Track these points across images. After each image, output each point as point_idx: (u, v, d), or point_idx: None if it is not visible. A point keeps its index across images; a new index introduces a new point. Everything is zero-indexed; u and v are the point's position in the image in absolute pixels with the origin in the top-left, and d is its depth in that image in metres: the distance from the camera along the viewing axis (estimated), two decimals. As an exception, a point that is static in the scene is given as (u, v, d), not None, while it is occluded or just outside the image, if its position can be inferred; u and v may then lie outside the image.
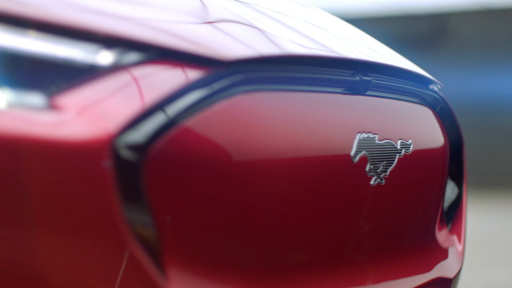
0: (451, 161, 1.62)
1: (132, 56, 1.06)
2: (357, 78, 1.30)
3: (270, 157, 1.15)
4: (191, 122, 1.06)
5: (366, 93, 1.33)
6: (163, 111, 1.03)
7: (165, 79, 1.06)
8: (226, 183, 1.10)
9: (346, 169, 1.26)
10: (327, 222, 1.26)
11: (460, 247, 1.65)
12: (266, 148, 1.15)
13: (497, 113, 9.45)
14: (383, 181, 1.33)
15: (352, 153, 1.26)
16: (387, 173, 1.33)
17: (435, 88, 1.58)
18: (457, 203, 1.70)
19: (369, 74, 1.33)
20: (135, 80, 1.04)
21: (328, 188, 1.25)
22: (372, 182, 1.31)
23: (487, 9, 9.38)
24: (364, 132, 1.28)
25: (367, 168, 1.28)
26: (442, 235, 1.61)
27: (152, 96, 1.03)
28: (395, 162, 1.34)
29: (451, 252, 1.60)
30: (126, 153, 1.00)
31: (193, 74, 1.07)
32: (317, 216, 1.24)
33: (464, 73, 9.46)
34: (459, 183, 1.70)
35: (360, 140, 1.27)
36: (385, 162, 1.32)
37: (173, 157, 1.05)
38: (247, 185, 1.12)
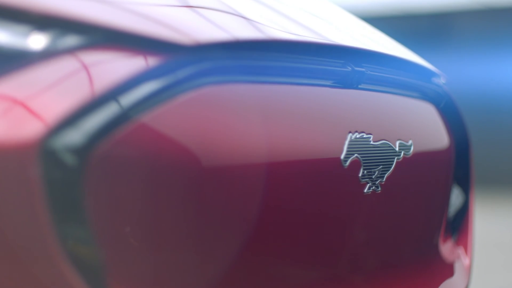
0: (456, 164, 1.48)
1: (71, 40, 0.88)
2: (349, 68, 1.14)
3: (243, 161, 0.98)
4: (146, 119, 0.88)
5: (359, 86, 1.18)
6: (109, 105, 0.86)
7: (112, 67, 0.89)
8: (190, 193, 0.93)
9: (335, 175, 1.10)
10: (312, 239, 1.08)
11: (467, 261, 1.50)
12: (240, 151, 0.98)
13: (499, 113, 9.37)
14: (379, 189, 1.17)
15: (342, 156, 1.10)
16: (384, 179, 1.18)
17: (439, 82, 1.43)
18: (464, 211, 1.56)
19: (362, 64, 1.18)
20: (75, 68, 0.87)
21: (314, 198, 1.08)
22: (366, 190, 1.15)
23: (488, 8, 9.32)
24: (356, 131, 1.13)
25: (360, 174, 1.13)
26: (446, 248, 1.46)
27: (95, 87, 0.85)
28: (393, 167, 1.20)
29: (456, 267, 1.45)
30: (60, 158, 0.82)
31: (148, 62, 0.90)
32: (300, 231, 1.06)
33: (465, 73, 9.38)
34: (465, 188, 1.56)
35: (351, 141, 1.11)
36: (381, 166, 1.17)
37: (122, 161, 0.87)
38: (216, 195, 0.95)
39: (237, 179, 0.97)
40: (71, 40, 0.88)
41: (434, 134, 1.39)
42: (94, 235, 0.84)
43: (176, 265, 0.93)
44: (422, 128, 1.35)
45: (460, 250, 1.51)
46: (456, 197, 1.54)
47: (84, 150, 0.83)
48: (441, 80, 1.44)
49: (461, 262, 1.48)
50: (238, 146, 0.97)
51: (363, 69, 1.16)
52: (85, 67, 0.87)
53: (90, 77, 0.86)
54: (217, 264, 0.97)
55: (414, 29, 9.51)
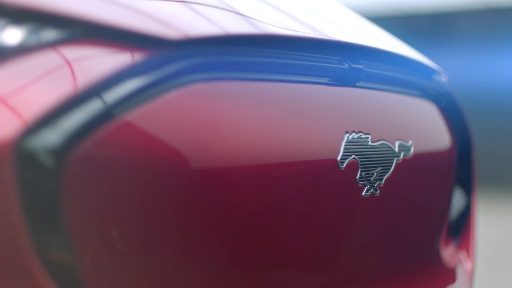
0: (458, 166, 1.44)
1: (49, 34, 0.84)
2: (346, 65, 1.09)
3: (234, 164, 0.93)
4: (129, 118, 0.83)
5: (357, 84, 1.13)
6: (90, 103, 0.80)
7: (94, 63, 0.84)
8: (177, 196, 0.87)
9: (331, 178, 1.05)
10: (307, 245, 1.03)
11: (469, 266, 1.45)
12: (230, 152, 0.92)
13: (501, 114, 9.37)
14: (378, 192, 1.12)
15: (339, 157, 1.05)
16: (383, 182, 1.14)
17: (440, 80, 1.39)
18: (466, 214, 1.52)
19: (360, 61, 1.13)
20: (54, 64, 0.82)
21: (309, 202, 1.02)
22: (364, 193, 1.10)
23: (489, 9, 9.33)
24: (353, 131, 1.08)
25: (358, 176, 1.08)
26: (448, 252, 1.42)
27: (75, 84, 0.80)
28: (392, 168, 1.15)
29: (458, 272, 1.40)
30: (36, 160, 0.77)
31: (132, 57, 0.85)
32: (293, 237, 1.01)
33: (466, 73, 9.38)
34: (467, 190, 1.51)
35: (348, 141, 1.07)
36: (379, 168, 1.13)
37: (104, 163, 0.81)
38: (205, 199, 0.90)
39: (227, 182, 0.92)
40: (49, 34, 0.83)
41: (435, 134, 1.35)
42: (72, 242, 0.79)
43: (159, 271, 0.88)
44: (423, 128, 1.31)
45: (462, 254, 1.47)
46: (458, 200, 1.50)
47: (63, 151, 0.78)
48: (443, 78, 1.41)
49: (463, 267, 1.44)
50: (229, 147, 0.92)
51: (361, 66, 1.11)
52: (65, 63, 0.82)
53: (70, 73, 0.81)
54: (203, 271, 0.92)
55: (413, 30, 9.50)
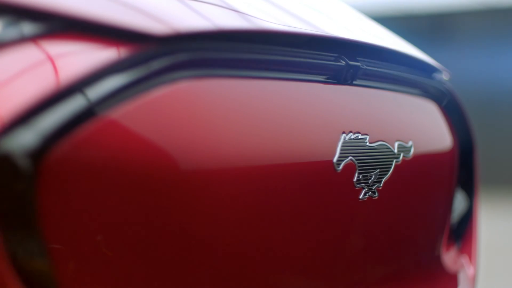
0: (460, 167, 1.40)
1: (25, 28, 0.79)
2: (342, 63, 1.05)
3: (224, 166, 0.88)
4: (111, 117, 0.78)
5: (354, 82, 1.09)
6: (68, 102, 0.76)
7: (73, 58, 0.79)
8: (162, 200, 0.83)
9: (327, 180, 1.00)
10: (301, 252, 0.98)
11: (471, 271, 1.41)
12: (220, 153, 0.88)
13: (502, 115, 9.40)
14: (376, 195, 1.08)
15: (335, 159, 1.01)
16: (381, 184, 1.09)
17: (441, 78, 1.35)
18: (468, 217, 1.48)
19: (357, 58, 1.08)
20: (29, 60, 0.77)
21: (303, 206, 0.98)
22: (361, 196, 1.06)
23: (490, 9, 9.37)
24: (350, 131, 1.04)
25: (355, 179, 1.04)
26: (449, 257, 1.38)
27: (53, 81, 0.76)
28: (391, 170, 1.11)
29: (460, 277, 1.37)
30: (9, 162, 0.72)
31: (115, 52, 0.80)
32: (287, 244, 0.96)
33: (468, 72, 9.40)
34: (469, 193, 1.48)
35: (345, 142, 1.02)
36: (378, 170, 1.09)
37: (83, 165, 0.77)
38: (193, 202, 0.85)
39: (216, 185, 0.87)
40: (25, 28, 0.79)
41: (436, 135, 1.31)
42: (47, 249, 0.74)
43: (141, 277, 0.83)
44: (423, 128, 1.27)
45: (464, 259, 1.43)
46: (459, 202, 1.47)
47: (39, 153, 0.74)
48: (444, 76, 1.37)
49: (465, 272, 1.40)
50: (218, 148, 0.88)
51: (358, 64, 1.07)
52: (43, 59, 0.78)
53: (48, 70, 0.77)
54: (189, 278, 0.87)
55: (412, 30, 9.51)
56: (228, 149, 0.89)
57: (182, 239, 0.85)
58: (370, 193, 1.07)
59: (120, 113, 0.79)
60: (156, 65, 0.83)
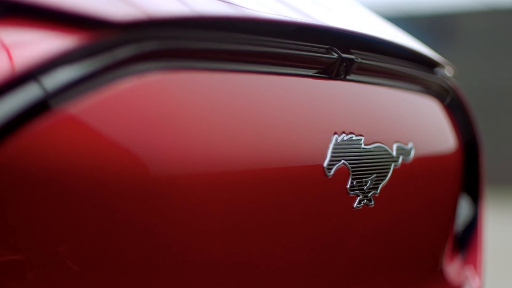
0: (465, 171, 1.36)
1: None
2: (335, 55, 0.98)
3: (196, 170, 0.80)
4: (65, 113, 0.70)
5: (348, 77, 1.02)
6: (14, 96, 0.68)
7: (17, 47, 0.71)
8: (125, 207, 0.75)
9: (316, 187, 0.93)
10: (287, 268, 0.90)
11: (476, 283, 1.41)
12: (193, 156, 0.80)
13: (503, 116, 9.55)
14: (372, 203, 1.02)
15: (326, 163, 0.94)
16: (378, 191, 1.03)
17: (444, 74, 1.30)
18: (473, 225, 1.44)
19: (352, 51, 1.02)
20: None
21: (289, 216, 0.90)
22: (355, 204, 0.99)
23: (492, 9, 9.54)
24: (343, 132, 0.97)
25: (349, 185, 0.98)
26: (453, 268, 1.34)
27: None
28: (389, 175, 1.06)
29: None
30: None
31: (67, 41, 0.72)
32: (268, 260, 0.89)
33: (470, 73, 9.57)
34: (474, 198, 1.44)
35: (337, 144, 0.96)
36: (374, 175, 1.03)
37: (31, 168, 0.69)
38: (163, 210, 0.77)
39: (189, 191, 0.80)
40: None
41: (439, 135, 1.28)
42: None
43: None
44: (425, 128, 1.23)
45: (469, 270, 1.39)
46: (464, 209, 1.43)
47: None
48: (448, 72, 1.32)
49: (470, 285, 1.36)
50: (192, 151, 0.80)
51: (352, 57, 1.00)
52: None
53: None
54: None
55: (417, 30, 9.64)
56: (203, 152, 0.81)
57: (148, 250, 0.77)
58: (365, 201, 1.01)
59: (74, 109, 0.71)
60: (117, 55, 0.75)
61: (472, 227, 1.43)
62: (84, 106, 0.71)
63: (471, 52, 9.61)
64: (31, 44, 0.71)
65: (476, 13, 9.72)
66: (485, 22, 9.65)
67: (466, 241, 1.42)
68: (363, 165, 1.00)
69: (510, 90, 9.46)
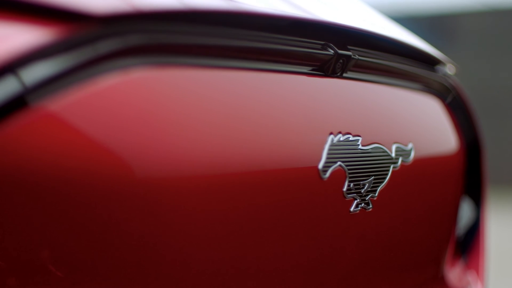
0: (466, 172, 1.33)
1: None
2: (331, 51, 0.95)
3: (185, 171, 0.77)
4: (41, 112, 0.68)
5: (344, 74, 0.99)
6: None
7: None
8: (105, 208, 0.72)
9: (311, 191, 0.90)
10: (281, 276, 0.86)
11: None
12: (179, 157, 0.77)
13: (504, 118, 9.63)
14: (370, 207, 0.99)
15: (321, 165, 0.91)
16: (376, 194, 1.01)
17: (446, 72, 1.27)
18: (475, 227, 1.42)
19: (349, 47, 0.99)
20: None
21: (283, 221, 0.87)
22: (352, 208, 0.96)
23: (492, 10, 9.63)
24: (340, 132, 0.95)
25: (345, 188, 0.95)
26: (455, 273, 1.31)
27: None
28: (387, 178, 1.03)
29: None
30: None
31: (45, 34, 0.69)
32: (260, 268, 0.85)
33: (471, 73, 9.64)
34: (477, 200, 1.41)
35: (333, 144, 0.93)
36: (372, 177, 1.00)
37: (4, 168, 0.66)
38: (147, 213, 0.74)
39: (175, 194, 0.76)
40: None
41: (440, 136, 1.26)
42: None
43: None
44: (425, 128, 1.22)
45: (471, 276, 1.36)
46: (466, 211, 1.41)
47: None
48: (449, 70, 1.29)
49: None
50: (178, 152, 0.77)
51: (349, 53, 0.97)
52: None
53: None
54: None
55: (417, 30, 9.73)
56: (190, 152, 0.78)
57: (130, 254, 0.74)
58: (363, 204, 0.99)
59: (55, 106, 0.68)
60: (98, 49, 0.72)
61: (474, 230, 1.41)
62: (64, 103, 0.69)
63: (471, 52, 9.70)
64: (7, 38, 0.68)
65: (477, 13, 9.84)
66: (485, 22, 9.74)
67: (468, 245, 1.40)
68: (361, 167, 0.98)
69: (511, 90, 9.54)
